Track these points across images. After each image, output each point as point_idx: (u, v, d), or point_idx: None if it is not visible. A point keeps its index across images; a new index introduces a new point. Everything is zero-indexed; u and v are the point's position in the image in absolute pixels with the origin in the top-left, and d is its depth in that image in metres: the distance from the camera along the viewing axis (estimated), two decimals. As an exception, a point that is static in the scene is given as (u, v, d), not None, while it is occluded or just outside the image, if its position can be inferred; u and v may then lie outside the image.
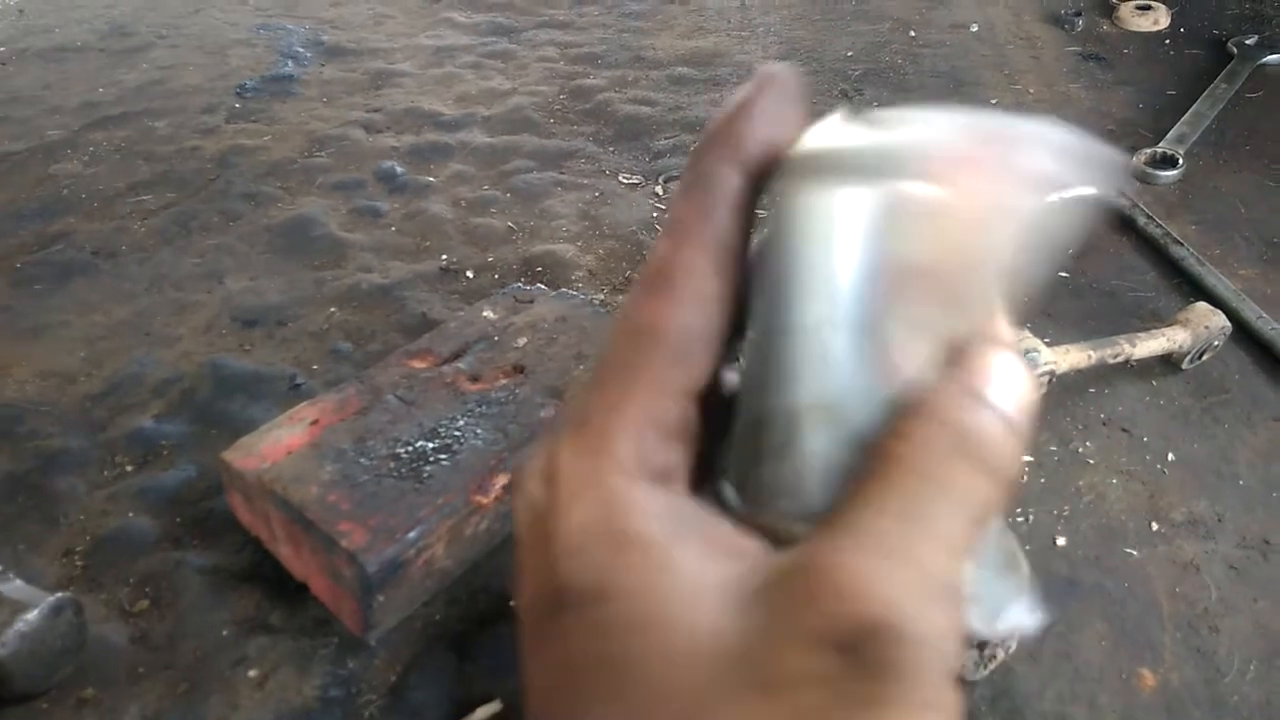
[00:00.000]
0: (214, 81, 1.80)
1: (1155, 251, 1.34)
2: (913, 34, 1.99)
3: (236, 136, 1.62)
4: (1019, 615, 0.26)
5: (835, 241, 0.24)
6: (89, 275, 1.29)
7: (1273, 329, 1.17)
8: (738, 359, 0.28)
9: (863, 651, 0.20)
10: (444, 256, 1.33)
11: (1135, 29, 1.98)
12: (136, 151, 1.57)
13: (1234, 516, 0.98)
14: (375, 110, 1.71)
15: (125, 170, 1.52)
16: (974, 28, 2.02)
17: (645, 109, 1.71)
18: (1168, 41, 1.95)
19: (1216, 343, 1.13)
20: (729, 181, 0.26)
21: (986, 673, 0.79)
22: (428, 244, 1.36)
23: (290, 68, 1.85)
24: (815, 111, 0.27)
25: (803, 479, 0.24)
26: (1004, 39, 1.97)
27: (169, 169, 1.53)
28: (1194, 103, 1.65)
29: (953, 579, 0.21)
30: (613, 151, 1.59)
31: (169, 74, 1.83)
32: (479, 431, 0.91)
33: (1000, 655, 0.76)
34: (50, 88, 1.77)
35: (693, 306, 0.26)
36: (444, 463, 0.87)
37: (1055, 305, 1.25)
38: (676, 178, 1.51)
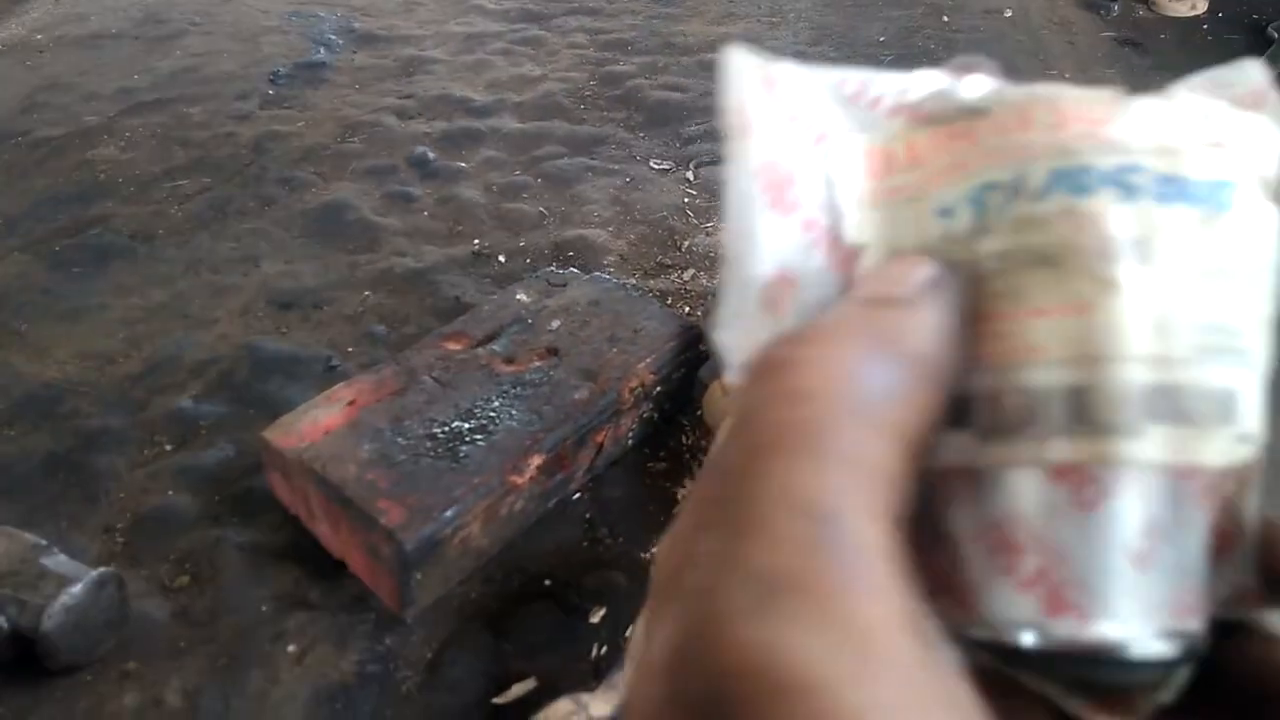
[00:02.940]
0: (247, 68, 1.82)
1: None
2: (946, 19, 1.98)
3: (270, 122, 1.63)
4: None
5: None
6: (127, 259, 1.31)
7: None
8: None
9: None
10: (476, 241, 1.34)
11: (1172, 14, 1.96)
12: (172, 137, 1.59)
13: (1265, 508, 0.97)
14: (407, 97, 1.71)
15: (161, 155, 1.54)
16: (1008, 12, 2.00)
17: (676, 95, 1.70)
18: (1205, 26, 1.92)
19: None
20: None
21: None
22: (460, 229, 1.37)
23: (322, 55, 1.86)
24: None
25: None
26: (1038, 24, 1.96)
27: (204, 154, 1.54)
28: (1233, 88, 1.63)
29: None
30: (643, 137, 1.59)
31: (203, 61, 1.84)
32: (514, 412, 0.91)
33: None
34: (87, 74, 1.79)
35: None
36: (480, 443, 0.88)
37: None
38: (707, 163, 1.51)
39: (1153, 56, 1.82)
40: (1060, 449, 0.20)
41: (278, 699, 0.79)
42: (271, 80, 1.77)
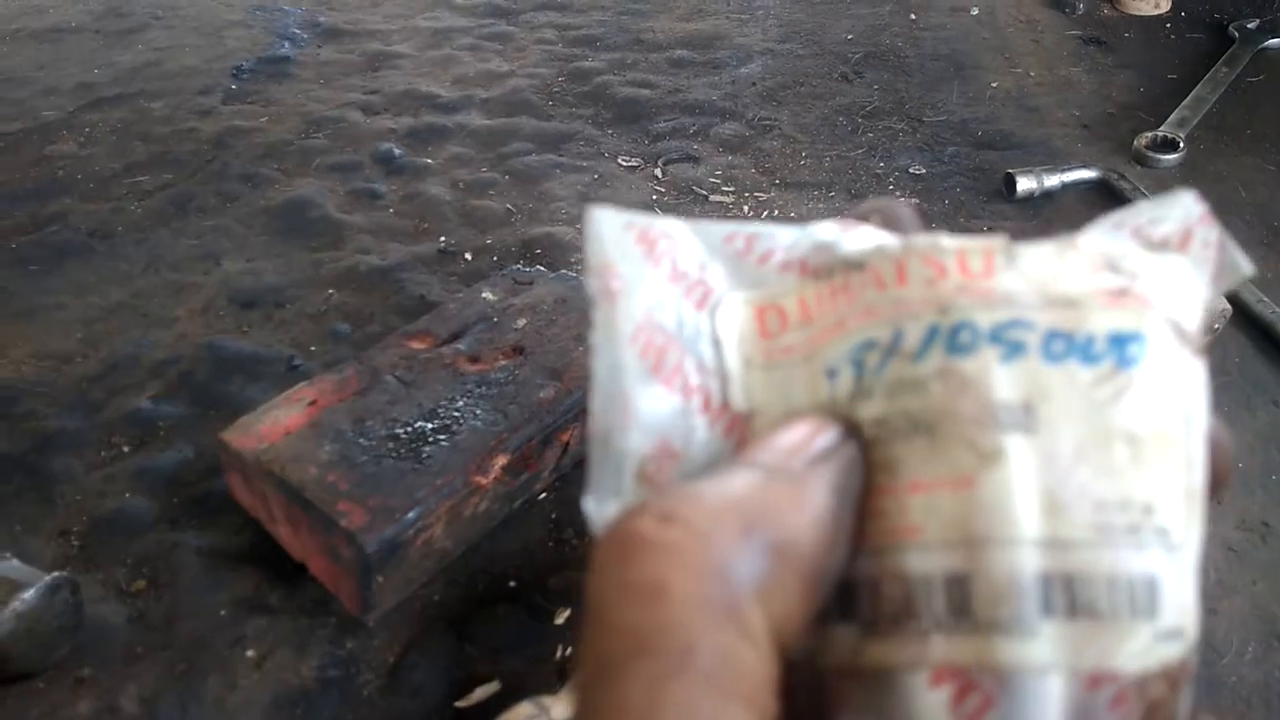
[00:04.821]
0: (210, 63, 1.79)
1: (1156, 235, 1.33)
2: (913, 17, 1.98)
3: (233, 118, 1.61)
4: None
5: None
6: (85, 256, 1.29)
7: (1273, 313, 1.17)
8: None
9: None
10: (442, 238, 1.33)
11: (1136, 12, 1.97)
12: (133, 133, 1.56)
13: (1233, 499, 0.98)
14: (373, 92, 1.69)
15: (121, 151, 1.51)
16: (974, 10, 2.01)
17: (644, 91, 1.70)
18: (1168, 25, 1.94)
19: (1216, 326, 1.12)
20: None
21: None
22: (426, 226, 1.36)
23: (287, 49, 1.84)
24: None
25: None
26: (1004, 22, 1.97)
27: (165, 150, 1.52)
28: (1195, 86, 1.65)
29: None
30: (612, 134, 1.58)
31: (165, 55, 1.82)
32: (478, 412, 0.90)
33: None
34: (45, 68, 1.76)
35: None
36: (443, 443, 0.87)
37: (1055, 288, 1.24)
38: (676, 160, 1.50)
39: (1117, 54, 1.83)
40: (940, 648, 0.17)
41: (236, 705, 0.78)
42: (234, 75, 1.75)
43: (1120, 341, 0.19)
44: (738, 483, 0.18)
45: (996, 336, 0.18)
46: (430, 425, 0.89)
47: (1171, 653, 0.18)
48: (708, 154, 1.52)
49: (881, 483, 0.19)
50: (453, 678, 0.80)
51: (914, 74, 1.76)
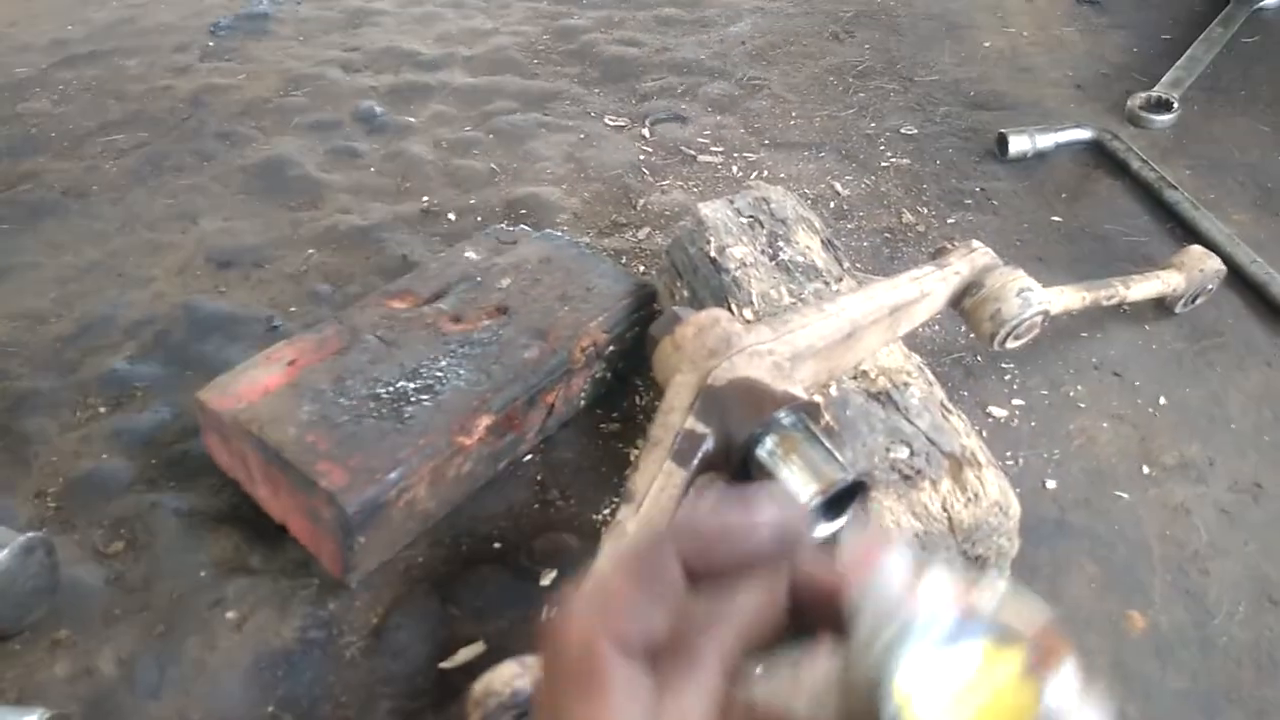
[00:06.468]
0: (187, 20, 1.75)
1: (1149, 196, 1.32)
2: (905, -24, 1.95)
3: (210, 75, 1.57)
4: None
5: None
6: (59, 215, 1.26)
7: (1266, 273, 1.16)
8: None
9: None
10: (425, 198, 1.30)
11: (1130, -27, 1.94)
12: (107, 90, 1.52)
13: (1225, 460, 0.97)
14: (353, 49, 1.66)
15: (96, 109, 1.48)
16: (967, -30, 1.98)
17: (632, 50, 1.66)
18: (1162, -15, 1.92)
19: (1210, 286, 1.11)
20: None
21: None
22: (408, 185, 1.33)
23: (265, 6, 1.80)
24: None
25: None
26: (997, -18, 1.93)
27: (141, 108, 1.48)
28: (1189, 47, 1.63)
29: None
30: (598, 93, 1.55)
31: (140, 12, 1.77)
32: (461, 372, 0.89)
33: None
34: (17, 25, 1.71)
35: None
36: (425, 403, 0.85)
37: (1048, 249, 1.23)
38: (663, 120, 1.48)
39: (1111, 14, 1.81)
40: None
41: (216, 666, 0.77)
42: (211, 32, 1.70)
43: None
44: None
45: None
46: (412, 385, 0.87)
47: None
48: (696, 114, 1.49)
49: None
50: (436, 639, 0.79)
51: (906, 33, 1.74)
